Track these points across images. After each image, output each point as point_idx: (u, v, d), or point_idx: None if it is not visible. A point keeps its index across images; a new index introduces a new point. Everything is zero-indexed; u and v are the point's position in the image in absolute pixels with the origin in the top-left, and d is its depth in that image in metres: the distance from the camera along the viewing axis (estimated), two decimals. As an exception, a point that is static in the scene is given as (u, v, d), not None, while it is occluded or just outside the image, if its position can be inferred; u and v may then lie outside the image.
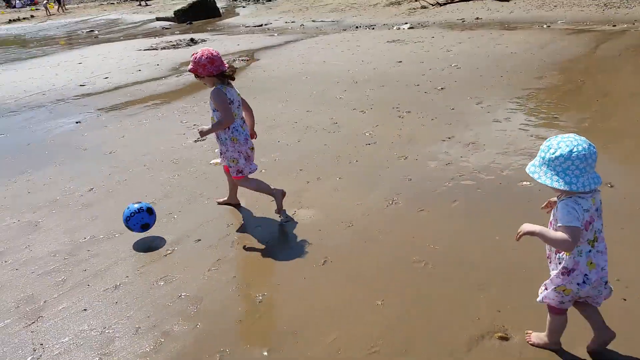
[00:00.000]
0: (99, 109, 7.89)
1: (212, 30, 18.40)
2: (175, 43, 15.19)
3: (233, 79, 3.60)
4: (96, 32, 22.70)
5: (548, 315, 2.26)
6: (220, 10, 22.91)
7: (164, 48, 14.47)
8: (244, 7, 23.80)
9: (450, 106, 6.41)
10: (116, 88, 9.47)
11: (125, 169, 5.15)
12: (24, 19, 34.36)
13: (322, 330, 2.58)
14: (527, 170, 2.11)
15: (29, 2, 49.88)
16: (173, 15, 22.17)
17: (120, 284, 3.12)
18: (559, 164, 1.97)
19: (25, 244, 3.73)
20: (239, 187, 3.96)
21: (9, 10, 46.02)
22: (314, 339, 2.52)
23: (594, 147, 1.96)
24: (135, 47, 15.22)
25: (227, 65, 3.55)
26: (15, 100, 9.05)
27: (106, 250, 3.56)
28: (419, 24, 15.07)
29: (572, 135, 2.00)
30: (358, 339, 2.49)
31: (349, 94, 7.50)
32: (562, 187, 1.97)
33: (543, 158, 2.02)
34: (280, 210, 3.75)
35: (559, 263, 2.13)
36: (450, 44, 11.11)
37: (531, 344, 2.35)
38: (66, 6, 36.53)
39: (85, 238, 3.74)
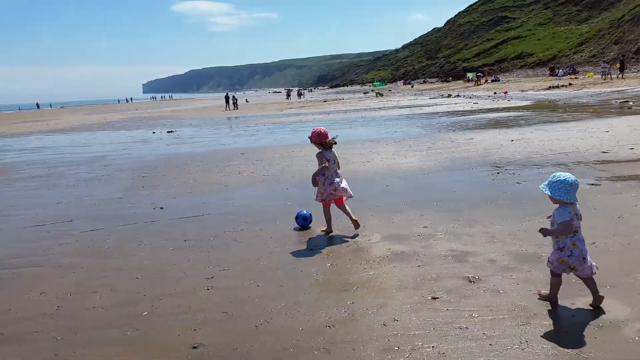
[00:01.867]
0: (615, 176, 8.04)
1: None
2: None
3: (331, 147, 5.86)
4: (630, 103, 22.24)
5: (551, 278, 3.77)
6: None
7: None
8: None
9: None
10: (640, 159, 9.29)
11: (629, 234, 5.21)
12: (562, 86, 37.32)
13: None
14: (540, 186, 3.72)
15: (570, 71, 53.53)
16: None
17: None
18: (557, 185, 3.57)
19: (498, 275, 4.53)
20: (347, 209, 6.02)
21: (551, 77, 50.94)
22: None
23: (577, 182, 3.59)
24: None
25: (329, 138, 5.84)
26: (541, 156, 10.35)
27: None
28: None
29: (569, 173, 3.66)
30: None
31: None
32: (554, 196, 3.58)
33: (549, 181, 3.62)
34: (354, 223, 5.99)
35: (555, 244, 3.69)
36: None
37: (539, 298, 3.88)
38: (623, 74, 37.25)
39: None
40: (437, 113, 25.82)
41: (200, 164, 12.48)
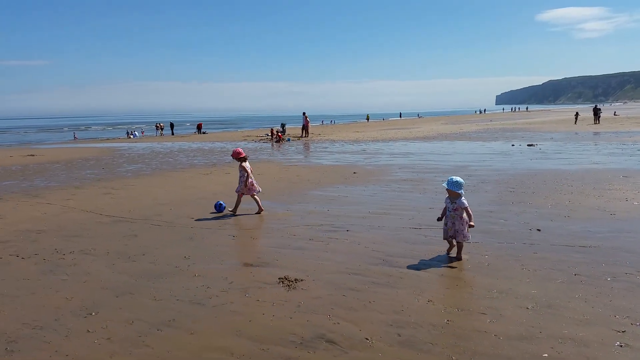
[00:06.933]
0: None
1: None
2: None
3: (246, 159, 9.18)
4: None
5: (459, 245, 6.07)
6: None
7: None
8: None
9: None
10: None
11: None
12: None
13: None
14: (443, 184, 6.20)
15: None
16: None
17: None
18: (451, 182, 5.94)
19: None
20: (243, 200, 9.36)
21: None
22: None
23: (462, 180, 6.01)
24: None
25: (244, 155, 9.17)
26: None
27: None
28: None
29: (458, 177, 6.04)
30: None
31: None
32: (445, 186, 6.00)
33: (448, 181, 5.98)
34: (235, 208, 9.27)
35: (463, 221, 5.99)
36: None
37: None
38: None
39: None
40: None
41: (573, 184, 11.12)
